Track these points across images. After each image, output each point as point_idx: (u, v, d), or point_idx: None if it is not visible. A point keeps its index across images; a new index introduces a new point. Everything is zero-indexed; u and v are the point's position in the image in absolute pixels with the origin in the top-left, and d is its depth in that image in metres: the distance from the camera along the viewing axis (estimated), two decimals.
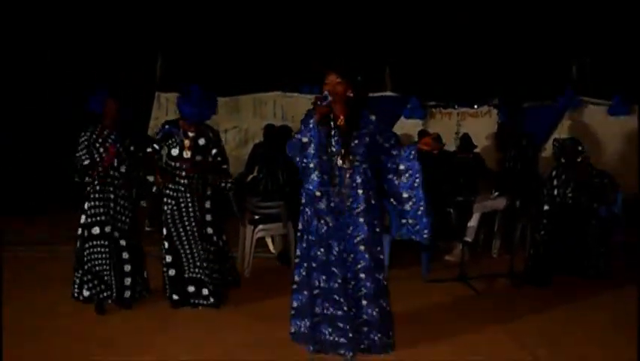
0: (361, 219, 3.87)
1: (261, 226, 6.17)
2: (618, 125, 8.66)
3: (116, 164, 4.98)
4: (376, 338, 3.91)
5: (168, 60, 10.19)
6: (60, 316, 4.83)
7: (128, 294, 5.03)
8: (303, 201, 3.93)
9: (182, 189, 4.99)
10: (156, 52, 10.22)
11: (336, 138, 3.86)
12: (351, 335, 3.80)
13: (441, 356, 4.02)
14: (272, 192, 6.39)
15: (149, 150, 5.05)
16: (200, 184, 5.04)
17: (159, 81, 10.20)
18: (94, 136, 4.96)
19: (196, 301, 4.99)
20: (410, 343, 4.12)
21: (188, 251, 4.98)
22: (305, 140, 3.78)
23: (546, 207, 6.08)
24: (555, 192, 6.06)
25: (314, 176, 3.80)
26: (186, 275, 4.99)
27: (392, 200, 4.04)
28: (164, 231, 5.02)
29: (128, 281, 5.02)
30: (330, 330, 3.83)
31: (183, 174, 4.98)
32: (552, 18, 11.14)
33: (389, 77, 10.41)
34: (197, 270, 4.98)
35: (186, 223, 4.99)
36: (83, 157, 4.93)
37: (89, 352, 4.07)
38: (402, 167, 3.95)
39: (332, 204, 3.85)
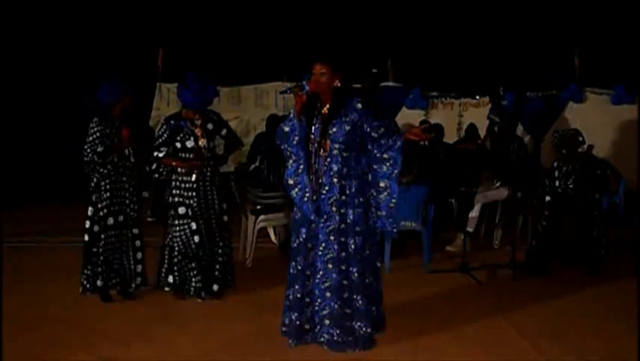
0: (334, 209, 3.84)
1: (262, 217, 6.18)
2: (619, 115, 8.64)
3: (127, 153, 4.98)
4: (335, 333, 3.86)
5: (170, 51, 10.16)
6: (62, 307, 4.85)
7: (139, 280, 5.08)
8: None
9: (200, 177, 4.95)
10: (158, 42, 10.19)
11: (316, 126, 3.89)
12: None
13: (442, 345, 4.03)
14: (274, 182, 6.38)
15: (160, 154, 4.98)
16: (215, 173, 5.06)
17: (161, 72, 10.17)
18: (107, 127, 4.93)
19: (202, 294, 5.01)
20: (411, 333, 4.13)
21: (206, 240, 5.00)
22: (286, 129, 3.92)
23: (547, 198, 6.09)
24: (556, 183, 6.06)
25: (289, 164, 3.96)
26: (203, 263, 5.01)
27: (372, 190, 3.97)
28: (195, 225, 4.94)
29: (139, 268, 5.08)
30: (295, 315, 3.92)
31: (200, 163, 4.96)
32: (553, 7, 11.10)
33: (391, 67, 10.38)
34: (213, 258, 5.03)
35: (211, 213, 5.00)
36: (95, 146, 4.86)
37: (91, 343, 4.09)
38: (385, 155, 3.89)
39: (307, 193, 3.87)
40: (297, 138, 3.89)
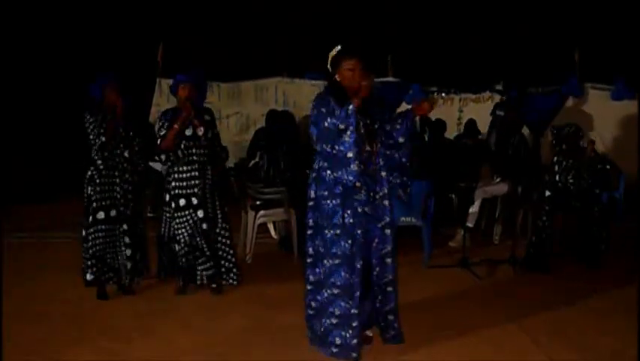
0: (386, 202, 3.81)
1: (262, 212, 6.18)
2: (620, 110, 8.63)
3: (119, 150, 4.97)
4: (396, 325, 3.90)
5: (169, 46, 10.14)
6: (63, 301, 4.86)
7: (128, 278, 5.07)
8: (324, 193, 3.71)
9: (197, 167, 4.96)
10: (157, 38, 10.17)
11: (361, 123, 3.72)
12: (368, 332, 3.86)
13: (442, 341, 4.03)
14: (273, 177, 6.39)
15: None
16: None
17: (160, 67, 10.16)
18: (98, 118, 4.91)
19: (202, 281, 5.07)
20: (411, 328, 4.13)
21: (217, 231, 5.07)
22: (342, 127, 3.54)
23: (548, 194, 6.09)
24: (557, 178, 6.05)
25: (354, 166, 3.55)
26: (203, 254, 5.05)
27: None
28: (202, 213, 4.95)
29: (129, 265, 5.06)
30: (342, 333, 3.68)
31: (200, 151, 4.97)
32: (554, 3, 11.08)
33: (391, 62, 10.37)
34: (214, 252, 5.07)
35: (209, 204, 5.02)
36: (99, 137, 4.86)
37: (91, 337, 4.10)
38: (401, 140, 3.87)
39: (371, 193, 3.77)
40: (356, 137, 3.56)
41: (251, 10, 11.98)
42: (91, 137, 4.87)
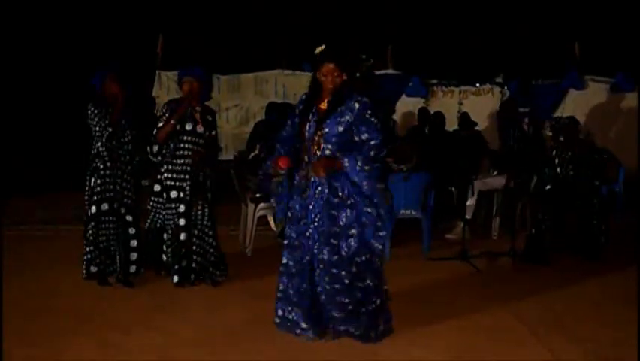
0: (333, 212, 3.77)
1: (262, 205, 6.17)
2: (620, 103, 8.63)
3: (121, 141, 4.97)
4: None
5: (169, 38, 10.12)
6: (63, 294, 4.86)
7: (133, 269, 5.08)
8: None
9: (191, 162, 4.95)
10: (157, 30, 10.14)
11: (311, 123, 3.79)
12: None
13: (441, 332, 4.04)
14: None
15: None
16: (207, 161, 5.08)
17: (160, 60, 10.14)
18: (102, 109, 4.91)
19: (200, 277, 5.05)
20: (409, 320, 4.14)
21: (199, 227, 5.03)
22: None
23: (547, 187, 6.08)
24: (557, 170, 6.05)
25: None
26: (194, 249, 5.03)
27: None
28: (182, 208, 4.96)
29: (134, 256, 5.07)
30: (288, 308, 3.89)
31: (196, 148, 4.97)
32: None
33: (391, 55, 10.35)
34: (198, 248, 5.03)
35: (199, 200, 5.01)
36: (106, 128, 4.88)
37: (91, 330, 4.10)
38: (366, 167, 3.73)
39: (304, 194, 3.81)
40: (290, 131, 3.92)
41: (251, 2, 11.94)
42: (97, 128, 4.88)
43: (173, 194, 4.96)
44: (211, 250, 5.09)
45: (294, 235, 3.87)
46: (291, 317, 3.89)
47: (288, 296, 3.91)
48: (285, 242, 3.94)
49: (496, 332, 4.07)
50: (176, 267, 4.97)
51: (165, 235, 5.09)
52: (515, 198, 6.61)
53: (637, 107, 8.27)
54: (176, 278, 4.97)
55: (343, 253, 3.75)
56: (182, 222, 4.95)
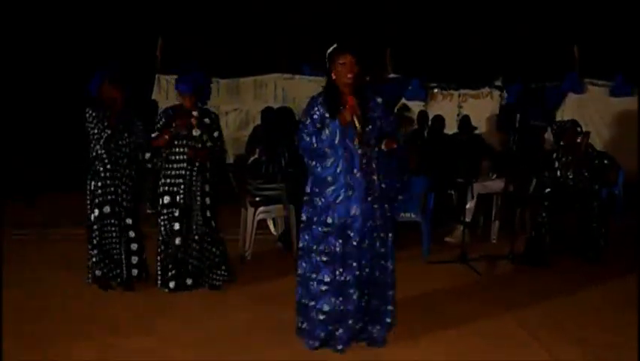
0: (376, 205, 3.76)
1: (262, 208, 6.17)
2: (619, 106, 8.64)
3: (119, 144, 4.97)
4: (375, 330, 3.85)
5: (168, 42, 10.13)
6: (63, 298, 4.84)
7: (135, 272, 5.06)
8: (316, 189, 3.76)
9: (188, 166, 4.93)
10: (156, 34, 10.15)
11: (349, 123, 3.68)
12: (357, 327, 3.77)
13: (442, 336, 4.04)
14: (273, 174, 6.38)
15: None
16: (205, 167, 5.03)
17: (159, 63, 10.14)
18: (100, 112, 4.91)
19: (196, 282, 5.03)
20: (411, 323, 4.14)
21: (193, 233, 4.99)
22: (327, 150, 3.70)
23: (547, 190, 6.09)
24: (557, 173, 6.05)
25: (324, 163, 3.72)
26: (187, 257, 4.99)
27: None
28: (177, 212, 4.94)
29: (135, 260, 5.05)
30: (336, 326, 3.72)
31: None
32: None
33: (390, 58, 10.36)
34: (196, 253, 5.01)
35: (193, 206, 4.97)
36: (105, 130, 4.88)
37: (91, 333, 4.09)
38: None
39: (349, 192, 3.69)
40: (332, 137, 3.69)
41: (250, 5, 11.95)
42: (95, 131, 4.87)
43: (167, 199, 4.94)
44: (210, 256, 5.04)
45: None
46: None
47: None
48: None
49: (497, 335, 4.07)
50: (172, 273, 4.95)
51: (160, 239, 5.02)
52: (514, 202, 6.61)
53: (636, 110, 8.28)
54: (172, 284, 4.94)
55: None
56: (176, 226, 4.94)
